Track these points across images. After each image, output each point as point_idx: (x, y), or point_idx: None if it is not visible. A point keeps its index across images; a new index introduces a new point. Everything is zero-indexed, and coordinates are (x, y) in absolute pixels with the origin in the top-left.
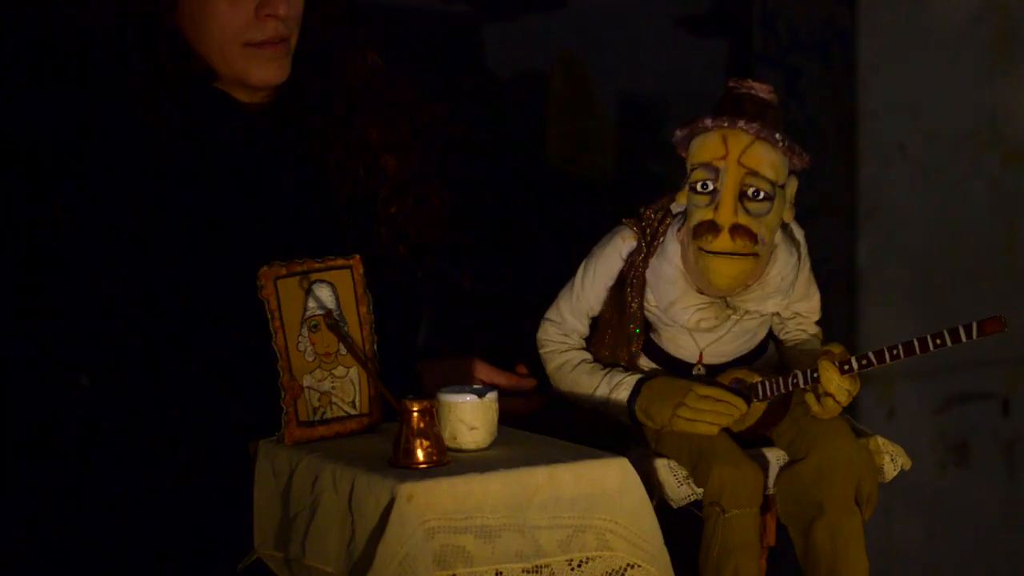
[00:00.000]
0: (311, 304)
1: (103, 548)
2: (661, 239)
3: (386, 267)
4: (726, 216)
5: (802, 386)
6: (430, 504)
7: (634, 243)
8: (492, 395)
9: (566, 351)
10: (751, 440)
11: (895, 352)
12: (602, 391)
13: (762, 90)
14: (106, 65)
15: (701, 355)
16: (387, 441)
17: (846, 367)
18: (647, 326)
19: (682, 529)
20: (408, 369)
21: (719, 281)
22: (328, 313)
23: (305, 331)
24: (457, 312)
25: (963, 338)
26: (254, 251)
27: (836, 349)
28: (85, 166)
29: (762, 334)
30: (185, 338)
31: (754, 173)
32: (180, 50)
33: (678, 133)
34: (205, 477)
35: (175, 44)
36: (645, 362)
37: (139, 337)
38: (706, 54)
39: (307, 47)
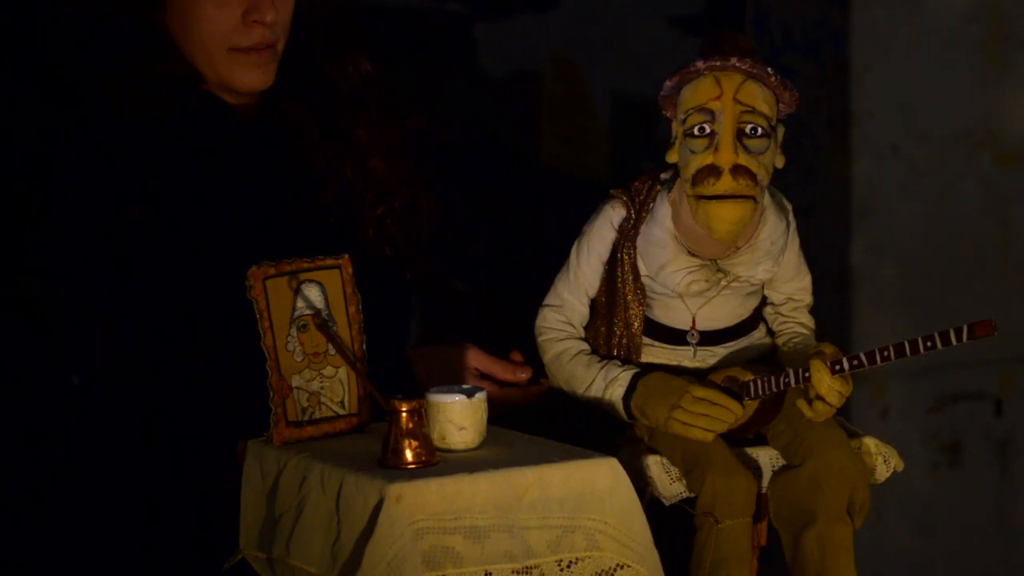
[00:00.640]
0: (300, 304)
1: (90, 546)
2: (651, 204)
3: (375, 267)
4: (727, 156)
5: (793, 385)
6: (419, 504)
7: (624, 212)
8: (481, 395)
9: (564, 339)
10: (744, 439)
11: (886, 354)
12: (597, 385)
13: (741, 38)
14: (95, 65)
15: (694, 321)
16: (376, 441)
17: (837, 367)
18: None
19: (672, 529)
20: (397, 369)
21: (720, 227)
22: (317, 313)
23: (294, 331)
24: (449, 312)
25: (954, 341)
26: (243, 251)
27: (828, 349)
28: (73, 166)
29: (754, 302)
30: (173, 338)
31: (751, 110)
32: (169, 51)
33: (667, 84)
34: (193, 477)
35: (164, 45)
36: (645, 340)
37: (127, 337)
38: (699, 54)
39: (296, 51)
